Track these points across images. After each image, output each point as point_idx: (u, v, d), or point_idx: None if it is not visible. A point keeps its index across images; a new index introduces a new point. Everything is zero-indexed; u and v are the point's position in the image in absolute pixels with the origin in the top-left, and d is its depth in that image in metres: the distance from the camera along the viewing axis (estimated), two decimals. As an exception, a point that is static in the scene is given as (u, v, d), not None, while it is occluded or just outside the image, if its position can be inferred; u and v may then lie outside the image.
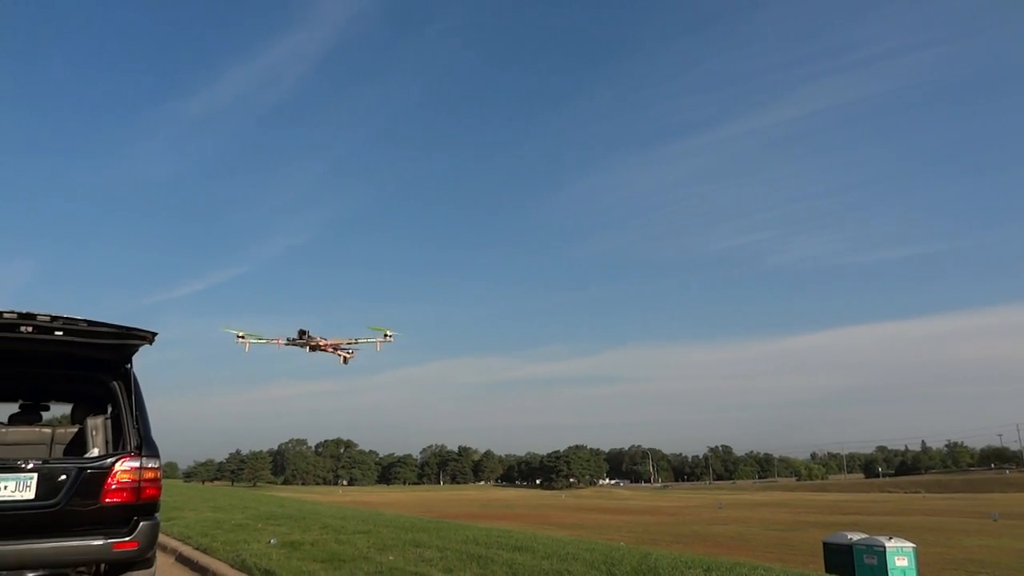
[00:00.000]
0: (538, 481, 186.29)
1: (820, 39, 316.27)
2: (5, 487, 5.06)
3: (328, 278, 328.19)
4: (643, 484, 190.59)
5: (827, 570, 16.63)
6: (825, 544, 18.79)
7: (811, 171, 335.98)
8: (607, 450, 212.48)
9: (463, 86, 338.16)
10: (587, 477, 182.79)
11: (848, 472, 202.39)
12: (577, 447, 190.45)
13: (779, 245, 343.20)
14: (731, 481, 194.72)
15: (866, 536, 17.87)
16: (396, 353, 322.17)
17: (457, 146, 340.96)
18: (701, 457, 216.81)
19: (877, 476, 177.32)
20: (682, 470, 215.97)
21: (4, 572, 4.87)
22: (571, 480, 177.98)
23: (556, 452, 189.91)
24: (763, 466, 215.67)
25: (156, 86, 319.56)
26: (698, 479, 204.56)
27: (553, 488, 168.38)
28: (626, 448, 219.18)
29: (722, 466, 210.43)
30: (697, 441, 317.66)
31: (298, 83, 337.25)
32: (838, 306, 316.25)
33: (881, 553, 16.40)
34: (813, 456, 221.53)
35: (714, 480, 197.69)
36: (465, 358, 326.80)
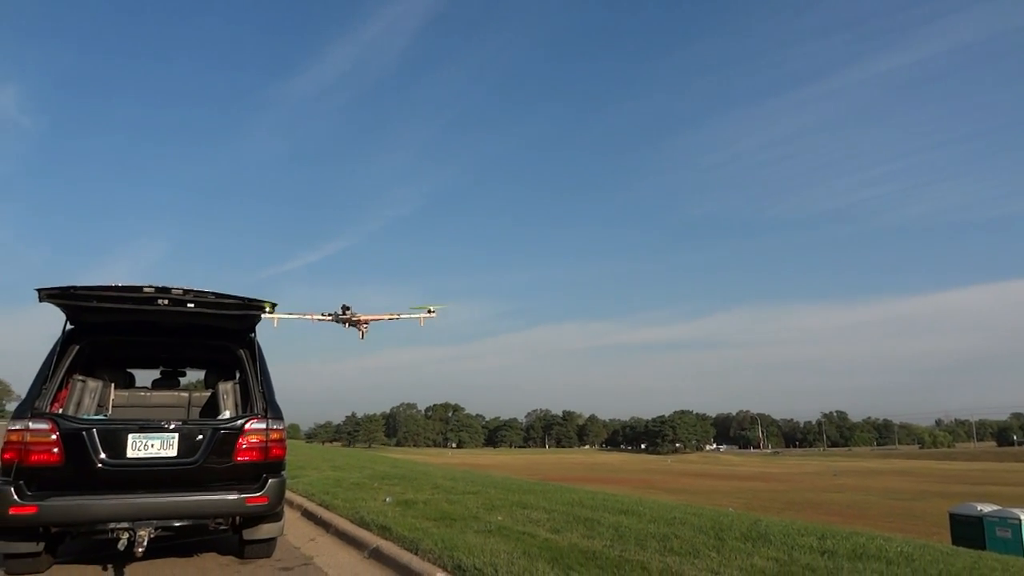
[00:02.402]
0: (643, 446, 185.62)
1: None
2: (152, 445, 5.58)
3: (433, 246, 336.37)
4: (752, 450, 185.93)
5: (954, 543, 15.70)
6: (952, 515, 17.72)
7: (938, 118, 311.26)
8: (714, 415, 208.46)
9: (560, 48, 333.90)
10: (693, 442, 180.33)
11: (978, 440, 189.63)
12: (683, 412, 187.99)
13: (901, 199, 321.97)
14: (847, 448, 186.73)
15: (999, 508, 16.69)
16: (501, 320, 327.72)
17: (557, 110, 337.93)
18: (814, 423, 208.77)
19: (1012, 445, 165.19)
20: (793, 436, 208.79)
21: (154, 521, 5.38)
22: (677, 445, 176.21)
23: (661, 417, 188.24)
24: (882, 433, 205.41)
25: (266, 68, 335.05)
26: (811, 445, 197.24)
27: (658, 453, 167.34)
28: (734, 413, 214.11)
29: (837, 432, 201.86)
30: (809, 407, 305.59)
31: (398, 56, 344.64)
32: (966, 263, 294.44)
33: (1016, 526, 15.30)
34: (938, 423, 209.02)
35: (828, 447, 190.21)
36: (569, 323, 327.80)
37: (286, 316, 4.93)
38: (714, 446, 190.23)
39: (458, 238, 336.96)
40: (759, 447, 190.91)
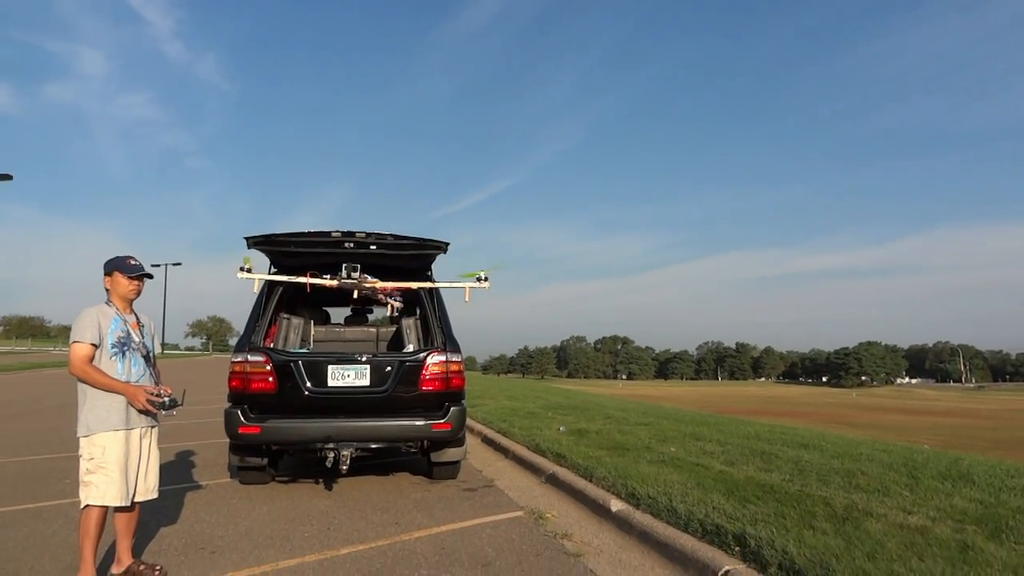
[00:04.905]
0: (824, 379, 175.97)
1: None
2: (348, 375, 6.17)
3: (596, 178, 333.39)
4: (951, 384, 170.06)
5: None
6: None
7: None
8: (906, 347, 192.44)
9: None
10: (882, 375, 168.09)
11: None
12: (870, 343, 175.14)
13: None
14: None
15: None
16: (666, 251, 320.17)
17: (724, 20, 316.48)
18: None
19: None
20: (1002, 369, 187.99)
21: (354, 443, 5.99)
22: (863, 378, 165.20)
23: (845, 348, 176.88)
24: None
25: (424, 14, 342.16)
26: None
27: (842, 386, 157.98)
28: (930, 344, 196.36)
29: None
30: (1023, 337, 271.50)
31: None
32: None
33: None
34: None
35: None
36: (739, 252, 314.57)
37: (269, 278, 4.73)
38: (906, 379, 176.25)
39: (622, 169, 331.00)
40: (960, 381, 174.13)
